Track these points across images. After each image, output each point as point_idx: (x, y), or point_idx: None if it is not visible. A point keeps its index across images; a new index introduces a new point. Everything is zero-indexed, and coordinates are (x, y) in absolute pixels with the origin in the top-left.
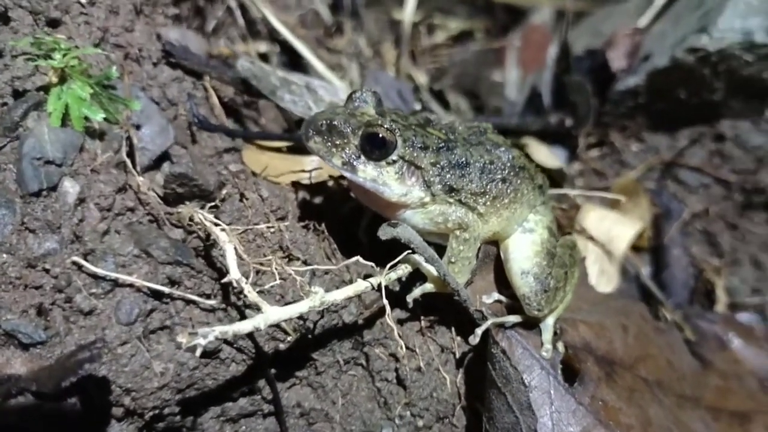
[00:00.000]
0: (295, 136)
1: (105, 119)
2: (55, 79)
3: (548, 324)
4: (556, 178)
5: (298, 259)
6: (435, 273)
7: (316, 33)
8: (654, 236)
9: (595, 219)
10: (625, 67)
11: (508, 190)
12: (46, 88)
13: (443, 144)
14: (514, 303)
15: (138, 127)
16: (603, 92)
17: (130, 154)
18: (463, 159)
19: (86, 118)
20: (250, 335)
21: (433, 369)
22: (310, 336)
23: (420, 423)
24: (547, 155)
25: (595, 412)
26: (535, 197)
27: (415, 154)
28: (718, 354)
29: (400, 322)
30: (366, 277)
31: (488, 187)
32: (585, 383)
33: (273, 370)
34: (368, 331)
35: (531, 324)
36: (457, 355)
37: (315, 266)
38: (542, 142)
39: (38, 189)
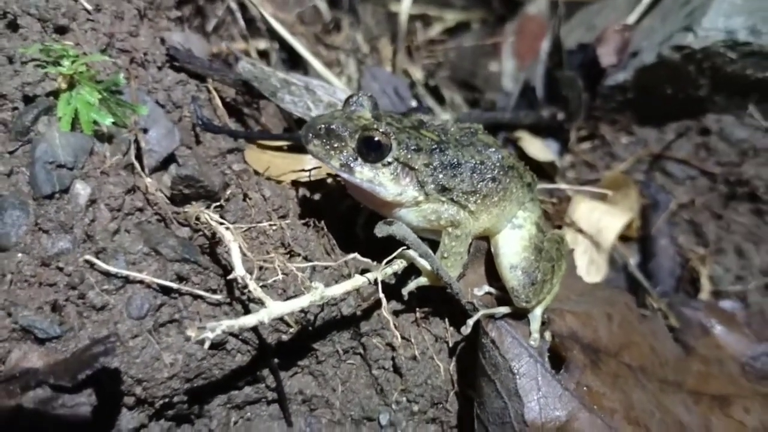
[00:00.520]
0: (295, 135)
1: (113, 123)
2: (64, 85)
3: (536, 314)
4: (548, 170)
5: (299, 255)
6: (429, 267)
7: (314, 29)
8: (642, 227)
9: (586, 210)
10: (615, 63)
11: (498, 189)
12: (55, 94)
13: (436, 146)
14: (503, 295)
15: (145, 131)
16: (594, 87)
17: (138, 157)
18: (455, 160)
19: (95, 123)
20: (254, 328)
21: (428, 357)
22: (311, 327)
23: (415, 408)
24: (540, 148)
25: (580, 397)
26: (524, 195)
27: (409, 156)
28: (700, 340)
29: (396, 313)
30: (363, 272)
31: (479, 186)
32: (571, 370)
33: (276, 360)
34: (366, 322)
35: (520, 315)
36: (450, 345)
37: (315, 262)
38: (535, 135)
39: (51, 192)
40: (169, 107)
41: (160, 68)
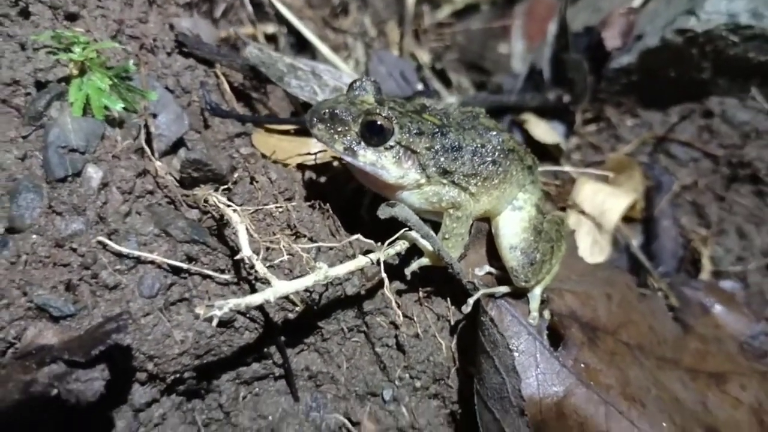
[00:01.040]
0: (301, 119)
1: (124, 108)
2: (75, 72)
3: (536, 294)
4: (553, 152)
5: (304, 236)
6: (430, 248)
7: (322, 13)
8: (646, 208)
9: (590, 192)
10: (620, 46)
11: (498, 171)
12: (67, 80)
13: (437, 129)
14: (504, 275)
15: (154, 116)
16: (599, 70)
17: (148, 141)
18: (456, 143)
19: (106, 108)
20: (261, 306)
21: (430, 335)
22: (316, 306)
23: (418, 384)
24: (546, 130)
25: (577, 373)
26: (524, 177)
27: (411, 140)
28: (699, 319)
29: (400, 293)
30: (367, 252)
31: (479, 168)
32: (569, 347)
33: (283, 338)
34: (370, 301)
35: (520, 294)
36: (452, 323)
37: (320, 243)
38: (541, 117)
39: (64, 175)
40: (178, 92)
41: (169, 54)
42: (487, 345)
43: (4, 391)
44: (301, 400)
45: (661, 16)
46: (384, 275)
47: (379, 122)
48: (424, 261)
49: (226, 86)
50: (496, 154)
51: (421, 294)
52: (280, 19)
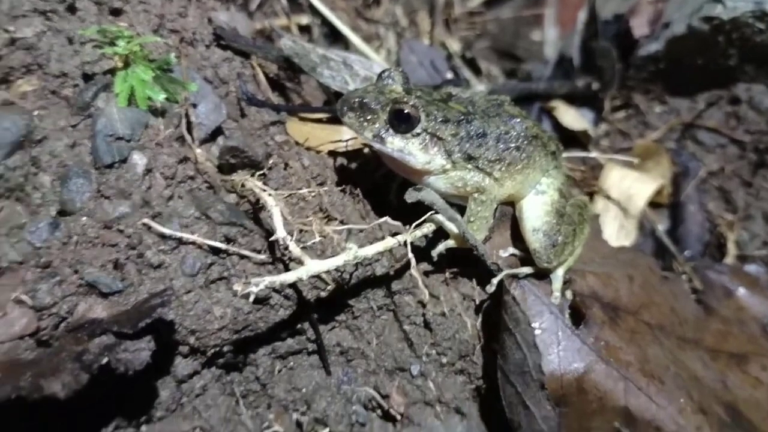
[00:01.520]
0: (333, 108)
1: (166, 99)
2: (120, 64)
3: (558, 275)
4: (581, 138)
5: (335, 219)
6: (456, 230)
7: (354, 3)
8: (673, 193)
9: (617, 178)
10: (648, 34)
11: (522, 157)
12: (112, 72)
13: (463, 117)
14: (527, 257)
15: (194, 105)
16: (627, 57)
17: (189, 129)
18: (481, 130)
19: (149, 98)
20: (295, 285)
21: (456, 314)
22: (347, 286)
23: (444, 360)
24: (574, 117)
25: (597, 350)
26: (548, 162)
27: (437, 127)
28: (723, 302)
29: (427, 273)
30: (395, 234)
31: (503, 154)
32: (590, 326)
33: (315, 315)
34: (398, 281)
35: (543, 275)
36: (477, 302)
37: (350, 225)
38: (570, 105)
39: (111, 161)
40: (216, 83)
41: (207, 47)
42: (510, 322)
43: (58, 360)
44: (333, 374)
45: (688, 4)
46: (411, 256)
47: (406, 110)
48: (450, 243)
49: (262, 77)
50: (520, 140)
51: (447, 275)
52: (314, 11)
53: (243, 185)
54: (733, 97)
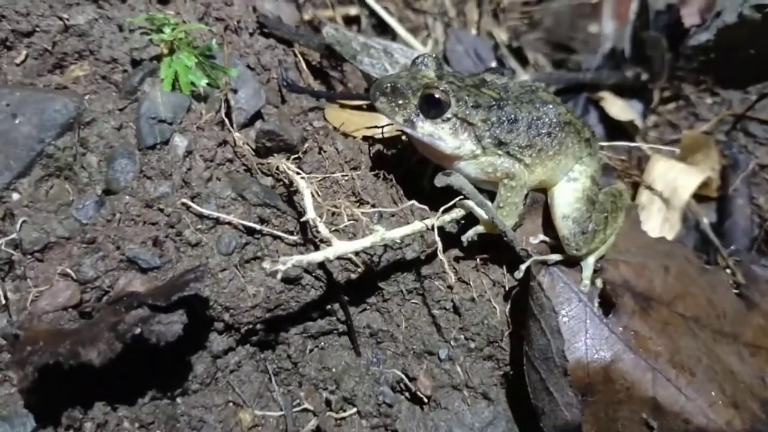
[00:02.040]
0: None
1: (208, 84)
2: (166, 50)
3: (589, 262)
4: (628, 129)
5: (367, 203)
6: (485, 216)
7: None
8: (722, 187)
9: (663, 169)
10: (698, 23)
11: (553, 144)
12: (158, 58)
13: (494, 102)
14: (558, 244)
15: (235, 91)
16: (678, 47)
17: (228, 114)
18: (512, 115)
19: (192, 84)
20: (324, 266)
21: (485, 300)
22: (377, 269)
23: (472, 345)
24: (622, 108)
25: (626, 340)
26: (581, 150)
27: (468, 112)
28: (766, 297)
29: (457, 259)
30: (424, 219)
31: (534, 140)
32: (619, 315)
33: (346, 297)
34: (428, 266)
35: (573, 263)
36: (507, 289)
37: (380, 209)
38: (618, 96)
39: (153, 143)
40: (258, 70)
41: (251, 34)
42: (535, 308)
43: (97, 330)
44: (363, 355)
45: None
46: (438, 239)
47: (436, 95)
48: (480, 229)
49: (304, 65)
50: (552, 126)
51: (477, 261)
52: (362, 2)
53: (278, 168)
54: None
